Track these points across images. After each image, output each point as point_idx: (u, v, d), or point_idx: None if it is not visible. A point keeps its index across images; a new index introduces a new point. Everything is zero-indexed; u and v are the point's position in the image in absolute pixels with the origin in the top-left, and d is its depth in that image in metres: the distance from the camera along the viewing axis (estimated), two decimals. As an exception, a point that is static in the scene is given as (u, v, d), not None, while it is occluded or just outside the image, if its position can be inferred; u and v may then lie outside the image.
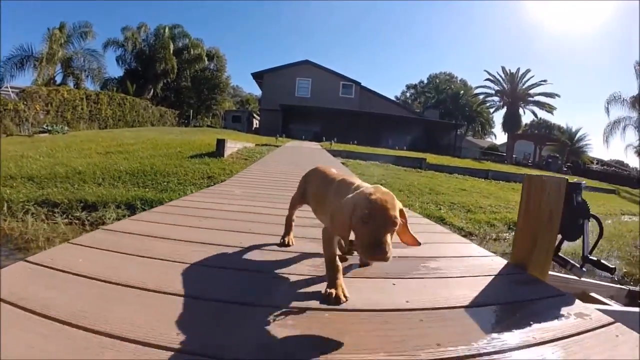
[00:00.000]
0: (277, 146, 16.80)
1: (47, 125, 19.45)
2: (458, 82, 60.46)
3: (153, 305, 1.39)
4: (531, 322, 1.47)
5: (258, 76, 36.15)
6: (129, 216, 5.69)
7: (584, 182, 2.40)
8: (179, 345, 1.13)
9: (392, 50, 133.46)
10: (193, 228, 2.58)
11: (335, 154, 15.85)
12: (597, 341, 1.39)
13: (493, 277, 2.00)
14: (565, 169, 35.74)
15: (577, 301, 1.76)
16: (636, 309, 2.86)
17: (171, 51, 36.21)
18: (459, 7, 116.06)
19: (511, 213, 10.88)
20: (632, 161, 50.98)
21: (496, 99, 42.02)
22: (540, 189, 2.15)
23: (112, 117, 26.33)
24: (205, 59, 39.98)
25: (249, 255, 2.08)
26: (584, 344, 1.36)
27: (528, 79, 39.66)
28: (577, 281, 3.83)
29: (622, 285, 4.68)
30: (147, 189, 8.39)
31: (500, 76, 40.21)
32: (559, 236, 2.56)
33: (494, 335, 1.34)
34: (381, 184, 5.61)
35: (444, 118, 44.79)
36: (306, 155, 13.95)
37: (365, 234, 1.27)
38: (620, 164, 55.67)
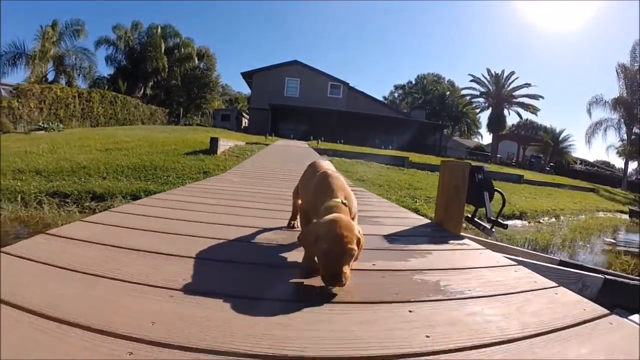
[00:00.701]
0: (267, 145, 17.57)
1: (42, 123, 20.11)
2: (445, 83, 61.90)
3: (210, 227, 2.38)
4: (421, 242, 2.48)
5: (247, 76, 36.86)
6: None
7: (486, 166, 3.41)
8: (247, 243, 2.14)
9: (383, 50, 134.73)
10: (209, 198, 3.58)
11: (321, 152, 16.62)
12: (461, 255, 2.33)
13: (415, 226, 3.02)
14: (548, 168, 37.10)
15: (467, 239, 2.76)
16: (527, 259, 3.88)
17: (162, 50, 36.94)
18: (451, 9, 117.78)
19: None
20: (618, 162, 52.42)
21: (481, 100, 43.60)
22: (450, 170, 3.18)
23: (104, 115, 26.97)
24: (196, 58, 40.80)
25: (253, 213, 3.05)
26: (447, 254, 2.32)
27: (512, 81, 41.19)
28: (515, 250, 4.85)
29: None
30: (149, 182, 9.22)
31: (486, 78, 41.66)
32: (473, 207, 3.60)
33: (392, 245, 2.36)
34: (363, 180, 6.94)
35: (431, 118, 45.90)
36: (294, 153, 14.90)
37: (325, 265, 1.47)
38: (607, 164, 57.54)
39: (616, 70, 35.45)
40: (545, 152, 39.82)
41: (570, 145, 40.78)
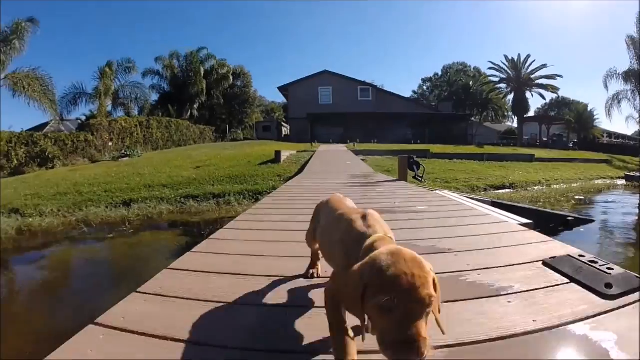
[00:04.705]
0: (314, 151, 21.91)
1: (125, 151, 25.74)
2: (472, 70, 65.52)
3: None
4: (382, 186, 8.00)
5: (284, 89, 42.37)
6: (244, 199, 12.14)
7: (415, 157, 8.93)
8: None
9: (409, 45, 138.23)
10: (303, 190, 9.08)
11: (357, 153, 20.76)
12: (404, 185, 7.65)
13: (389, 180, 8.55)
14: (571, 144, 40.69)
15: (404, 183, 8.27)
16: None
17: (202, 74, 42.75)
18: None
19: (479, 182, 16.37)
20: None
21: (503, 85, 47.23)
22: (401, 159, 8.63)
23: (162, 139, 32.27)
24: (231, 77, 46.64)
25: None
26: (399, 185, 7.77)
27: (530, 64, 44.59)
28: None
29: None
30: (246, 185, 14.13)
31: (504, 64, 45.21)
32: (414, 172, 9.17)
33: (377, 184, 7.89)
34: (388, 171, 13.78)
35: (458, 109, 49.68)
36: (336, 155, 19.24)
37: (387, 327, 0.98)
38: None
39: (626, 42, 37.46)
40: (569, 129, 43.66)
41: (595, 119, 43.86)
